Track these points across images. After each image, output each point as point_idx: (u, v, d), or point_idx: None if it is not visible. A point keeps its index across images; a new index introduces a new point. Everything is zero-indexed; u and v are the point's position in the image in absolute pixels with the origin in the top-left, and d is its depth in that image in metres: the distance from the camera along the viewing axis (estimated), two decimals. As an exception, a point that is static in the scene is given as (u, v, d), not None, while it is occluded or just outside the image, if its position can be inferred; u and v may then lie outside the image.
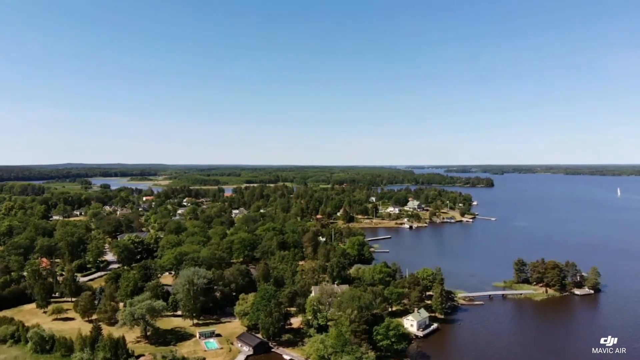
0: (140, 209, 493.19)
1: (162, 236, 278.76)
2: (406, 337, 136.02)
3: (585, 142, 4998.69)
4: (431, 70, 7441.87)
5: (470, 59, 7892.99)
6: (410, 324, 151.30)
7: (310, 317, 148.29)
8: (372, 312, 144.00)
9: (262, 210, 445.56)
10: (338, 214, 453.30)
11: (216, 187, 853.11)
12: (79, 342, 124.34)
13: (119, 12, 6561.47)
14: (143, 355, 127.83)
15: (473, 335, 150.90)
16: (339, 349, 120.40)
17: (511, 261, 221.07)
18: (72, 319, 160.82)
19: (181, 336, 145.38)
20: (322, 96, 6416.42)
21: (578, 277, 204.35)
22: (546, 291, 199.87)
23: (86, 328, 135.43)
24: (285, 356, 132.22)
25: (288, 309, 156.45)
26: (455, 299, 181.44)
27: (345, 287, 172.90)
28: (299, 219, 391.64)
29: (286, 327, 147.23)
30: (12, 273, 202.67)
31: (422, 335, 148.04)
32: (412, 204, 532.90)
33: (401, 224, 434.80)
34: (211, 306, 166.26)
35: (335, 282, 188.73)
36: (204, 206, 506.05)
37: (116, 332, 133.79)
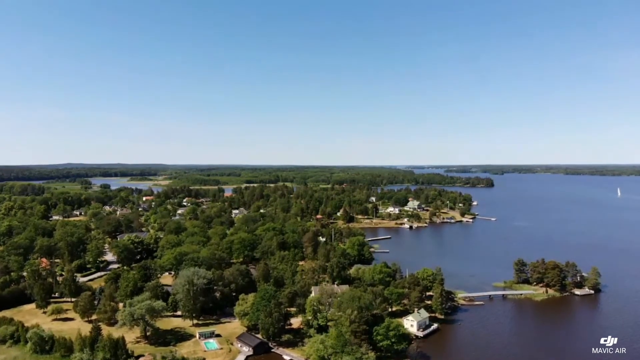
0: (140, 209, 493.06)
1: (162, 236, 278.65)
2: (406, 337, 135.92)
3: (585, 142, 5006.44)
4: (431, 70, 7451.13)
5: (470, 59, 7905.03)
6: (411, 324, 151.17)
7: (310, 318, 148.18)
8: (372, 312, 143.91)
9: (262, 210, 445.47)
10: (338, 214, 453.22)
11: (216, 187, 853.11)
12: (78, 342, 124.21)
13: (119, 12, 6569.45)
14: (143, 355, 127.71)
15: (473, 335, 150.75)
16: (339, 349, 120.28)
17: (511, 261, 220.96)
18: (71, 319, 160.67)
19: (181, 336, 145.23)
20: (322, 96, 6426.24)
21: (578, 278, 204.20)
22: (546, 291, 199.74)
23: (86, 328, 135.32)
24: (285, 356, 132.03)
25: (288, 309, 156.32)
26: (455, 299, 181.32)
27: (345, 287, 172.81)
28: (299, 219, 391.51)
29: (286, 327, 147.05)
30: (12, 273, 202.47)
31: (422, 335, 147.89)
32: (412, 204, 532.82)
33: (401, 224, 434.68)
34: (211, 306, 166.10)
35: (335, 283, 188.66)
36: (204, 206, 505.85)
37: (116, 332, 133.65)
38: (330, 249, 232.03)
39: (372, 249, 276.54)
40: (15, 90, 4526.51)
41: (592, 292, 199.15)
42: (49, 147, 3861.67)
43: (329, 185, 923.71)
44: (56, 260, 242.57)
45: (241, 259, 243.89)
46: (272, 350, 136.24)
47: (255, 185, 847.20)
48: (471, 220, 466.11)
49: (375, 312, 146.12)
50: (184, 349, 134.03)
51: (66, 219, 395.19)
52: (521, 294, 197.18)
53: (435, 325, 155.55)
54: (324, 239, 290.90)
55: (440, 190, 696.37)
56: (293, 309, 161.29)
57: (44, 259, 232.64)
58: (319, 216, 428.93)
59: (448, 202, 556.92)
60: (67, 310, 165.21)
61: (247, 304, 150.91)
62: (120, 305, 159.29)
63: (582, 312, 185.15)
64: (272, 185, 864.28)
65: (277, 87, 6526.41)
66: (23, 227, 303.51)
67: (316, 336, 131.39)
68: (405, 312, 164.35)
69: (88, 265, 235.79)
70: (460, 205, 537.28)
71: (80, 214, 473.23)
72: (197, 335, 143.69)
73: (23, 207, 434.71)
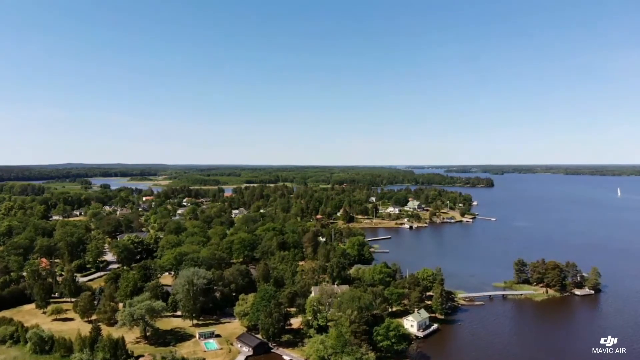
0: (140, 209, 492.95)
1: (161, 236, 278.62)
2: (406, 337, 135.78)
3: (585, 142, 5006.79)
4: (431, 70, 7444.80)
5: (470, 59, 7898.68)
6: (411, 324, 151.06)
7: (310, 318, 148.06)
8: (372, 312, 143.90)
9: (262, 211, 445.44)
10: (338, 214, 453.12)
11: (216, 187, 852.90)
12: (78, 342, 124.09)
13: (119, 12, 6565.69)
14: (142, 355, 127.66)
15: (473, 335, 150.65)
16: (339, 349, 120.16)
17: (511, 261, 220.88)
18: (71, 319, 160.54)
19: (181, 337, 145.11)
20: (322, 96, 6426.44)
21: (578, 278, 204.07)
22: (546, 291, 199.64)
23: (85, 328, 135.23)
24: (285, 357, 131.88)
25: (288, 309, 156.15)
26: (455, 299, 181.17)
27: (345, 287, 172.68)
28: (299, 219, 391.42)
29: (286, 327, 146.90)
30: (12, 273, 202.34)
31: (422, 335, 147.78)
32: (412, 204, 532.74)
33: (401, 224, 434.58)
34: (211, 307, 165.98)
35: (335, 283, 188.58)
36: (204, 206, 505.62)
37: (116, 332, 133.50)
38: (330, 249, 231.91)
39: (372, 249, 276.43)
40: (15, 90, 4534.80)
41: (592, 292, 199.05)
42: (49, 147, 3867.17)
43: (329, 185, 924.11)
44: (56, 260, 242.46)
45: (241, 259, 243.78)
46: (272, 350, 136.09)
47: (255, 185, 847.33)
48: (471, 220, 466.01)
49: (376, 313, 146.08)
50: (183, 349, 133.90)
51: (66, 219, 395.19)
52: (521, 294, 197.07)
53: (435, 326, 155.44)
54: (324, 239, 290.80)
55: (440, 190, 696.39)
56: (293, 309, 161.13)
57: (43, 259, 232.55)
58: (319, 216, 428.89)
59: (448, 202, 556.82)
60: (66, 310, 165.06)
61: (247, 304, 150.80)
62: (120, 305, 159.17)
63: (582, 312, 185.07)
64: (272, 185, 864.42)
65: (277, 87, 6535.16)
66: (23, 227, 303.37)
67: (316, 336, 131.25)
68: (405, 313, 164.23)
69: (88, 265, 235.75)
70: (460, 205, 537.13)
71: (80, 214, 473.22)
72: (197, 336, 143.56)
73: (23, 207, 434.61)
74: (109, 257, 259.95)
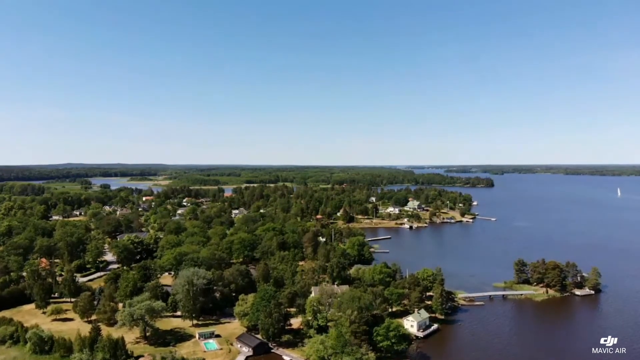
0: (140, 209, 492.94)
1: (161, 236, 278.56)
2: (406, 337, 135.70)
3: (585, 142, 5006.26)
4: (431, 70, 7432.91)
5: (470, 59, 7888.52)
6: (411, 324, 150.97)
7: (310, 318, 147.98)
8: (372, 312, 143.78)
9: (262, 211, 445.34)
10: (338, 214, 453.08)
11: (216, 187, 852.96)
12: (78, 342, 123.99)
13: (119, 12, 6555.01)
14: (142, 356, 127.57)
15: (473, 335, 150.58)
16: (339, 349, 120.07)
17: (511, 261, 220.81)
18: (71, 319, 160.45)
19: (180, 337, 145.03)
20: (322, 96, 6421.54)
21: (579, 278, 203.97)
22: (547, 292, 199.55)
23: (85, 329, 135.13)
24: (285, 357, 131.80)
25: (288, 309, 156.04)
26: (455, 299, 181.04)
27: (345, 287, 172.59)
28: (299, 219, 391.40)
29: (286, 327, 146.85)
30: (12, 273, 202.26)
31: (422, 336, 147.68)
32: (412, 204, 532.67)
33: (401, 224, 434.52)
34: (211, 307, 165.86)
35: (335, 283, 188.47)
36: (204, 206, 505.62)
37: (115, 332, 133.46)
38: (330, 249, 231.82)
39: (372, 249, 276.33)
40: (15, 90, 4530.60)
41: (593, 292, 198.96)
42: (49, 147, 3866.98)
43: (329, 185, 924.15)
44: (56, 261, 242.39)
45: (241, 259, 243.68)
46: (272, 350, 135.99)
47: (255, 185, 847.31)
48: (471, 220, 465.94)
49: (376, 313, 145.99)
50: (183, 349, 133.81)
51: (66, 219, 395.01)
52: (521, 294, 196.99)
53: (435, 326, 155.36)
54: (324, 239, 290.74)
55: (440, 191, 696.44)
56: (293, 310, 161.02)
57: (43, 259, 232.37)
58: (319, 216, 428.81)
59: (448, 202, 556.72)
60: (66, 310, 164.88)
61: (247, 304, 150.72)
62: (120, 305, 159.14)
63: (583, 312, 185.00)
64: (272, 185, 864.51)
65: (277, 87, 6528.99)
66: (23, 227, 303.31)
67: (316, 337, 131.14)
68: (405, 313, 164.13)
69: (88, 266, 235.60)
70: (460, 205, 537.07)
71: (80, 214, 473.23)
72: (197, 336, 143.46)
73: (23, 207, 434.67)
74: (109, 257, 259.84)
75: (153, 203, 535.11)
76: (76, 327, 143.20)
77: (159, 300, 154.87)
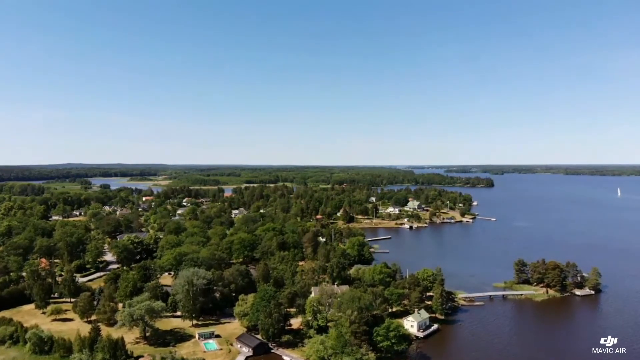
0: (140, 209, 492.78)
1: (161, 236, 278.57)
2: (406, 338, 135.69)
3: (585, 142, 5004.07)
4: (431, 70, 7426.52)
5: (470, 59, 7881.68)
6: (411, 324, 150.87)
7: (310, 318, 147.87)
8: (372, 313, 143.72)
9: (262, 211, 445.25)
10: (338, 214, 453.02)
11: (216, 187, 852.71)
12: (77, 343, 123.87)
13: (119, 12, 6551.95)
14: (142, 356, 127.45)
15: (473, 335, 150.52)
16: (339, 350, 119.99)
17: (511, 261, 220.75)
18: (71, 319, 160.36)
19: (180, 337, 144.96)
20: (322, 96, 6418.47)
21: (579, 278, 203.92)
22: (547, 292, 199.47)
23: (85, 329, 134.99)
24: (285, 357, 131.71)
25: (288, 309, 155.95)
26: (455, 299, 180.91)
27: (345, 287, 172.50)
28: (298, 219, 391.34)
29: (286, 328, 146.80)
30: (11, 273, 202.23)
31: (422, 336, 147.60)
32: (412, 204, 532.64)
33: (401, 224, 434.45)
34: (211, 307, 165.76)
35: (335, 283, 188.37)
36: (204, 206, 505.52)
37: (115, 332, 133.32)
38: (330, 249, 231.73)
39: (372, 249, 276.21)
40: (15, 90, 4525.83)
41: (593, 292, 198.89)
42: (49, 147, 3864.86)
43: (329, 186, 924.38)
44: (56, 261, 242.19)
45: (241, 259, 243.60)
46: (272, 351, 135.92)
47: (255, 185, 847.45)
48: (471, 220, 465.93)
49: (376, 313, 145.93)
50: (183, 349, 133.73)
51: (66, 219, 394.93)
52: (521, 295, 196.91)
53: (435, 326, 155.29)
54: (324, 239, 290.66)
55: (440, 191, 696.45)
56: (293, 310, 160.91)
57: (43, 259, 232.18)
58: (319, 216, 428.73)
59: (448, 202, 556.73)
60: (66, 310, 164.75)
61: (247, 304, 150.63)
62: (120, 305, 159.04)
63: (583, 312, 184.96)
64: (272, 185, 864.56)
65: (277, 87, 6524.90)
66: (23, 227, 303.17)
67: (316, 337, 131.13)
68: (405, 313, 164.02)
69: (87, 266, 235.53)
70: (460, 205, 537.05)
71: (80, 214, 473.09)
72: (197, 336, 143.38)
73: (23, 207, 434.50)
74: (109, 257, 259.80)
75: (153, 203, 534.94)
76: (76, 328, 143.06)
77: (158, 300, 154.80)
